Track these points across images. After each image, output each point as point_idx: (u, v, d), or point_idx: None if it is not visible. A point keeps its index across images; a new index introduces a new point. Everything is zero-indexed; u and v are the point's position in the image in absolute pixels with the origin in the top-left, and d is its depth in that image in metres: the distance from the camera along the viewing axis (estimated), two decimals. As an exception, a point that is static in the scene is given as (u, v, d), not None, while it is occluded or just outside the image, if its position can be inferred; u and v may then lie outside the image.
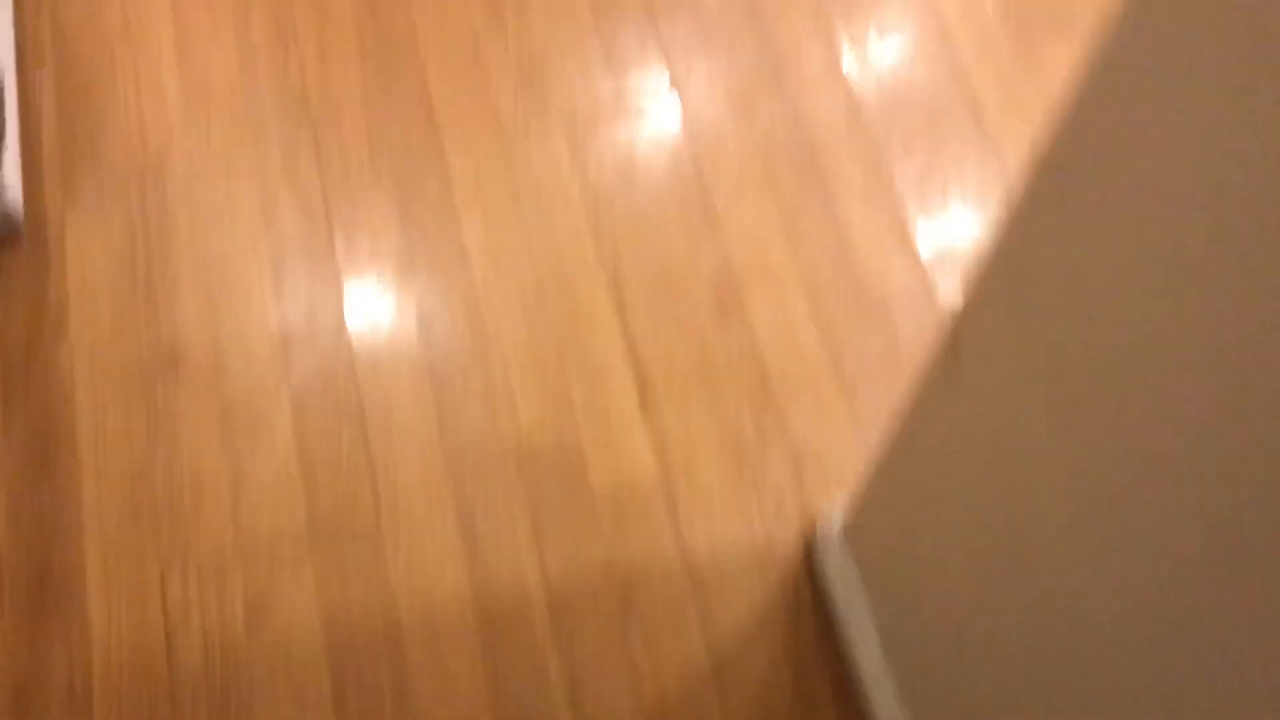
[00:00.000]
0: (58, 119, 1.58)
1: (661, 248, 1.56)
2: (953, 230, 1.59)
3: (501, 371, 1.47)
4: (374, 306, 1.50)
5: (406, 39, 1.67)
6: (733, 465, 1.43)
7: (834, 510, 1.35)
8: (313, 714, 1.30)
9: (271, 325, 1.49)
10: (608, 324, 1.51)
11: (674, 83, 1.66)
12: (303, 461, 1.41)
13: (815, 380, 1.49)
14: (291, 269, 1.52)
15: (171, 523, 1.38)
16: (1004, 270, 0.77)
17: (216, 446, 1.42)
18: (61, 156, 1.56)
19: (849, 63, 1.69)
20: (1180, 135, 0.59)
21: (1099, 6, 1.75)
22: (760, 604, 1.37)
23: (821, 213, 1.59)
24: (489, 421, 1.44)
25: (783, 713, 1.32)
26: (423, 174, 1.58)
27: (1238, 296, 0.57)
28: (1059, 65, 1.71)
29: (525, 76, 1.66)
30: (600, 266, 1.54)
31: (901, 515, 1.12)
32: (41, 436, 1.43)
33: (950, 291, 1.55)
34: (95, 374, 1.45)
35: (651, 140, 1.63)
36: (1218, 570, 0.64)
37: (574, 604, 1.36)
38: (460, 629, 1.34)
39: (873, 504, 1.19)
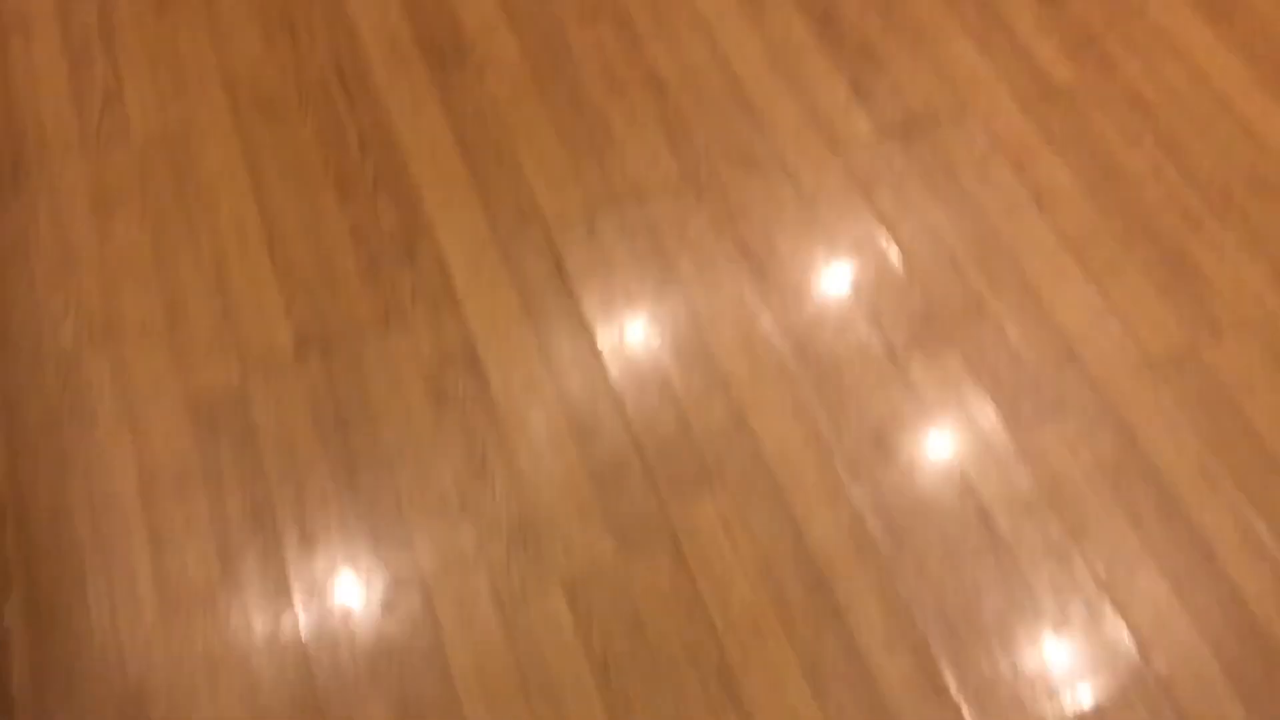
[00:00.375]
0: (29, 654, 1.49)
1: (681, 723, 1.46)
2: (984, 662, 1.51)
3: None
4: (382, 839, 1.39)
5: (391, 502, 1.60)
6: None
7: None
8: None
9: None
10: (634, 827, 1.40)
11: (669, 521, 1.59)
12: None
13: None
14: (289, 798, 1.41)
15: None
16: None
17: None
18: (35, 699, 1.46)
19: (850, 481, 1.63)
20: None
21: (1095, 393, 1.71)
22: None
23: (843, 657, 1.51)
24: None
25: None
26: (419, 668, 1.49)
27: None
28: (1056, 452, 1.66)
29: (516, 532, 1.59)
30: (619, 755, 1.44)
31: None
32: None
33: (991, 740, 1.46)
34: None
35: (655, 591, 1.55)
36: None
37: None
38: None
39: None
